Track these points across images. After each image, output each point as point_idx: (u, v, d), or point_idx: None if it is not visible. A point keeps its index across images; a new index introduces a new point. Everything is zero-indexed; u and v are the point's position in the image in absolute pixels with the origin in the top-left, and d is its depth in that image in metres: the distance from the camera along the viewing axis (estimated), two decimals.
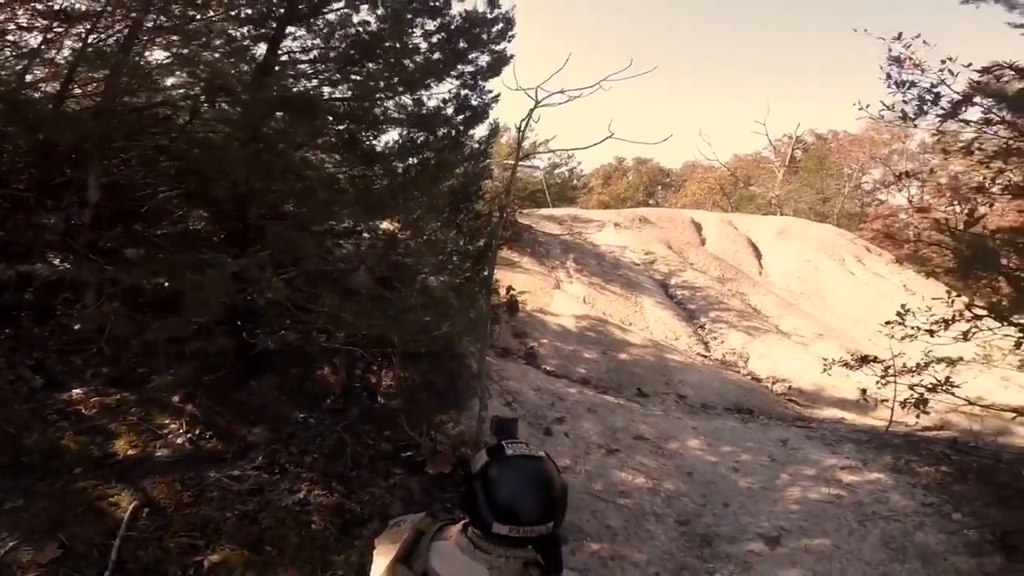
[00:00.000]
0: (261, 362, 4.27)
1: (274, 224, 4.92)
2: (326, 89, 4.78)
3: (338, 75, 4.69)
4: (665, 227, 11.90)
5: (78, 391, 3.83)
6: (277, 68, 4.45)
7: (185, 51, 4.57)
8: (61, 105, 4.62)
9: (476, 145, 5.12)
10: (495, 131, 5.25)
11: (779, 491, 4.22)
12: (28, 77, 4.83)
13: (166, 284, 3.79)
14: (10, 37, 4.57)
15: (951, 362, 5.13)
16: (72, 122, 4.38)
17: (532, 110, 4.19)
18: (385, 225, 5.58)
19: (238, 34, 4.59)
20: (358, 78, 4.62)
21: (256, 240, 4.41)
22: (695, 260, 10.62)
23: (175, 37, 4.56)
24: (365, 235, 5.62)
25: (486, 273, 5.06)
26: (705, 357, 7.68)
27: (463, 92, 4.87)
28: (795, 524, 3.74)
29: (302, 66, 4.72)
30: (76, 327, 4.39)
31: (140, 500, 3.07)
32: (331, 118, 4.68)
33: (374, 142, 4.90)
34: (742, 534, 3.66)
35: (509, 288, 4.10)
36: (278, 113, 4.18)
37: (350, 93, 4.75)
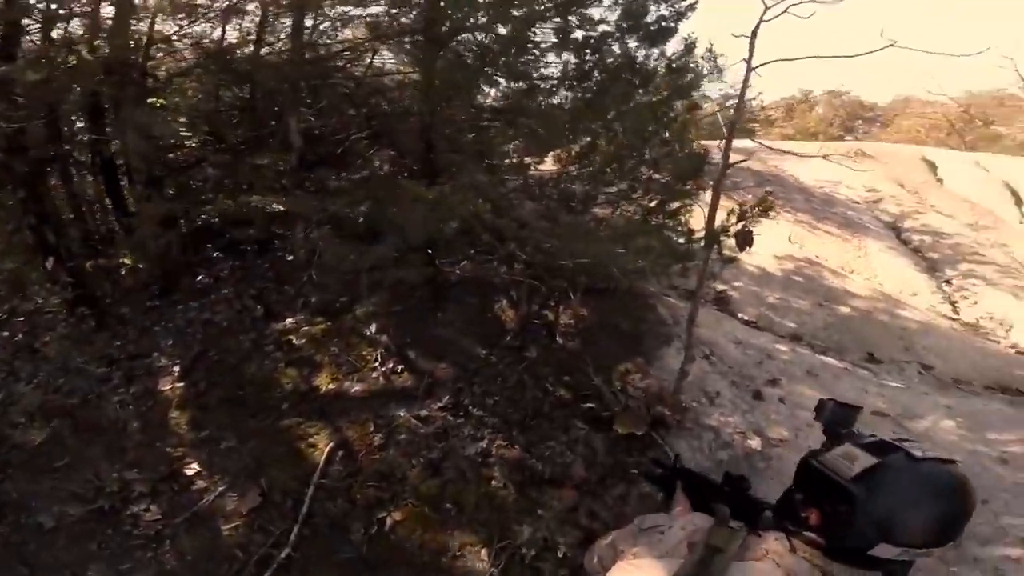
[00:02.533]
0: (446, 292, 4.11)
1: (454, 157, 4.74)
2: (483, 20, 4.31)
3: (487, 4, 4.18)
4: (889, 163, 9.71)
5: (290, 320, 4.01)
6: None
7: None
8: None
9: (665, 64, 4.26)
10: (690, 47, 4.30)
11: None
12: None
13: (367, 212, 3.78)
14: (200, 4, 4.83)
15: None
16: (271, 69, 4.74)
17: (765, 11, 3.24)
18: (551, 158, 5.10)
19: None
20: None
21: (442, 173, 4.22)
22: (936, 202, 8.50)
23: None
24: (532, 170, 5.23)
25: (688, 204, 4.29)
26: (953, 320, 6.07)
27: (643, 5, 4.03)
28: None
29: None
30: (290, 258, 4.76)
31: (335, 441, 3.06)
32: (496, 47, 4.24)
33: (537, 71, 4.38)
34: (1000, 536, 2.90)
35: (743, 213, 3.24)
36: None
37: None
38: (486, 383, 3.44)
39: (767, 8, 3.21)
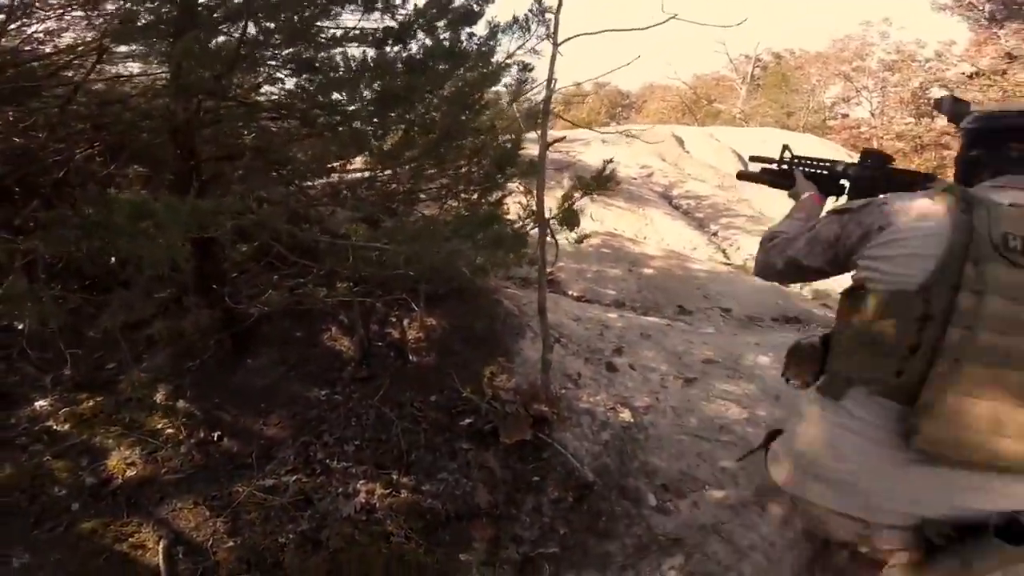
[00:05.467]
0: (252, 334, 3.37)
1: (229, 165, 3.94)
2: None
3: None
4: (652, 140, 11.12)
5: (42, 403, 3.04)
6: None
7: None
8: None
9: (475, 48, 4.10)
10: (495, 30, 4.20)
11: None
12: None
13: (104, 249, 2.85)
14: None
15: None
16: None
17: None
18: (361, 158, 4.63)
19: None
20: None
21: (213, 183, 3.43)
22: (690, 171, 9.94)
23: None
24: (339, 172, 4.68)
25: (519, 189, 4.23)
26: (727, 265, 7.10)
27: None
28: None
29: None
30: (19, 325, 3.49)
31: (167, 537, 2.39)
32: (277, 37, 3.63)
33: (335, 63, 3.89)
34: None
35: (568, 196, 3.21)
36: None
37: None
38: (338, 429, 2.91)
39: None
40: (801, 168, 1.82)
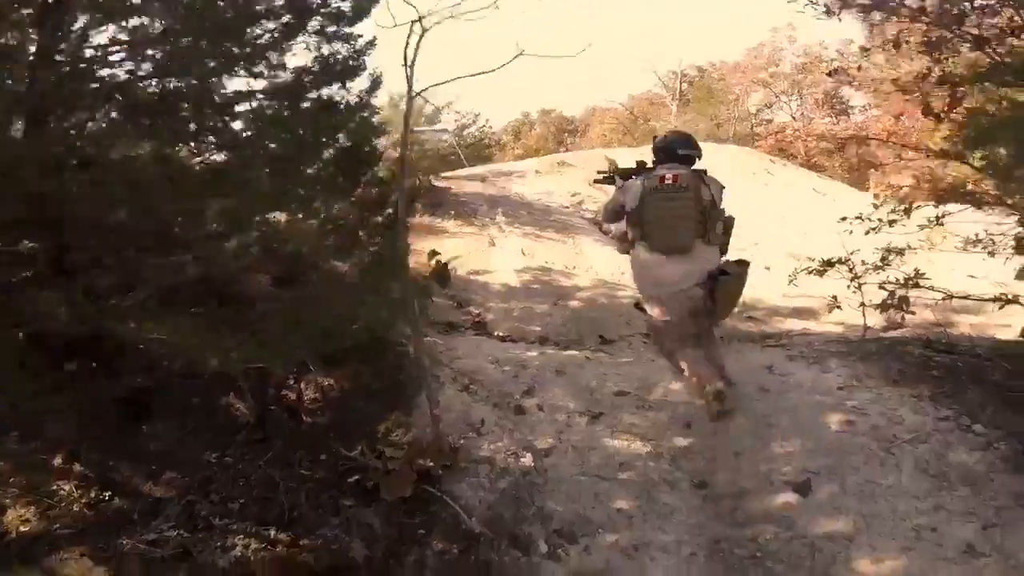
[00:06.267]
0: (151, 401, 3.35)
1: (113, 240, 3.82)
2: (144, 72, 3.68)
3: (159, 58, 3.60)
4: (585, 168, 11.45)
5: None
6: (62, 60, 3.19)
7: None
8: None
9: (356, 100, 4.22)
10: (377, 82, 4.34)
11: (787, 427, 3.66)
12: None
13: None
14: None
15: (899, 252, 4.86)
16: None
17: (420, 38, 3.35)
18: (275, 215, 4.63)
19: None
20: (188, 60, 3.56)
21: (88, 264, 3.33)
22: None
23: None
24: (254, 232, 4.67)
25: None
26: None
27: (325, 48, 3.95)
28: (820, 463, 3.21)
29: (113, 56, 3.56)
30: None
31: None
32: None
33: (231, 124, 3.94)
34: (767, 486, 3.09)
35: (433, 253, 3.54)
36: None
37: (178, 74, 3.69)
38: (225, 488, 2.99)
39: (425, 31, 3.30)
40: (618, 175, 3.78)
